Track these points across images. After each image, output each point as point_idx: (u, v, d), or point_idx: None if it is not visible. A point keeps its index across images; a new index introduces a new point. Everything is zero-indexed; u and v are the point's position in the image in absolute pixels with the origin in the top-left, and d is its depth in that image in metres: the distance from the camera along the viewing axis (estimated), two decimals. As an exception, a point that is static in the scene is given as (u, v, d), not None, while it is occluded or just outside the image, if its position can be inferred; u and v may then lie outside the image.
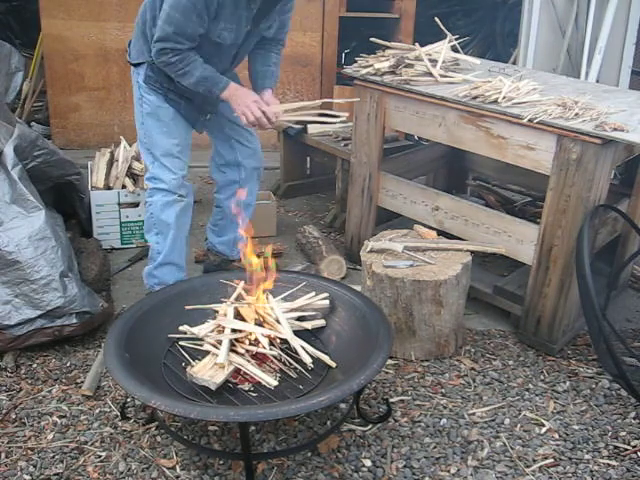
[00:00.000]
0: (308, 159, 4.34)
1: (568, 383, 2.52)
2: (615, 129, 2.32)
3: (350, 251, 3.40)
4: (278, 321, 2.20)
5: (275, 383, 2.04)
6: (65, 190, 3.28)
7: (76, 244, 3.09)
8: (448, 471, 2.08)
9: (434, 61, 3.00)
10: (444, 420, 2.29)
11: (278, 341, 2.18)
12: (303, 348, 2.13)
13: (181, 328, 2.23)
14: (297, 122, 2.56)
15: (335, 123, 2.57)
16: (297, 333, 2.21)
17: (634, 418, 2.34)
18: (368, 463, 2.09)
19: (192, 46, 2.42)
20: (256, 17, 2.50)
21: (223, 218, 3.03)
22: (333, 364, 2.12)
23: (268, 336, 2.16)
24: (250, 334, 2.15)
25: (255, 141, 2.88)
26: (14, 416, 2.26)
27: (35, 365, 2.53)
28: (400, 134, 4.16)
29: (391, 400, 2.38)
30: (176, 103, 2.63)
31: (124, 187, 3.42)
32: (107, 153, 3.65)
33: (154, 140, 2.65)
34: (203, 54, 2.48)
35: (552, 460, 2.14)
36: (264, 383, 2.03)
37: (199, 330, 2.19)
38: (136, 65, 2.61)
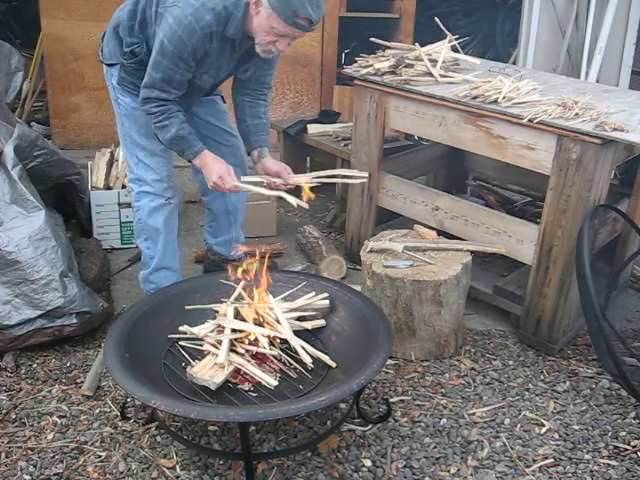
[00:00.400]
0: (308, 159, 4.34)
1: (568, 383, 2.52)
2: (615, 129, 2.32)
3: (350, 251, 3.40)
4: (278, 321, 2.20)
5: (275, 383, 2.04)
6: (65, 190, 3.28)
7: (76, 244, 3.09)
8: (448, 471, 2.08)
9: (434, 61, 3.00)
10: (444, 420, 2.29)
11: (278, 341, 2.18)
12: (303, 348, 2.13)
13: (181, 328, 2.23)
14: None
15: (357, 182, 2.52)
16: (297, 333, 2.21)
17: (634, 418, 2.34)
18: (368, 463, 2.09)
19: (178, 95, 2.37)
20: (237, 63, 2.47)
21: (214, 220, 3.02)
22: (333, 364, 2.12)
23: (268, 336, 2.16)
24: (250, 334, 2.15)
25: (234, 139, 2.80)
26: (14, 416, 2.26)
27: (35, 365, 2.53)
28: (400, 134, 4.16)
29: (391, 400, 2.38)
30: None
31: (124, 187, 3.42)
32: (107, 153, 3.65)
33: (135, 141, 2.61)
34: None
35: (552, 460, 2.14)
36: (264, 383, 2.03)
37: (199, 330, 2.19)
38: (109, 65, 2.56)
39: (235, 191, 2.45)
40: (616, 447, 2.20)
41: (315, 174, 2.49)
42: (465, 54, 3.21)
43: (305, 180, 2.43)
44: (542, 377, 2.56)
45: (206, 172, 2.41)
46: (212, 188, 2.43)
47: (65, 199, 3.31)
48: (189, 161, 2.47)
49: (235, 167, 2.85)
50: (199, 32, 2.22)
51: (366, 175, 2.50)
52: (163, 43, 2.25)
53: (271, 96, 4.98)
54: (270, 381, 2.03)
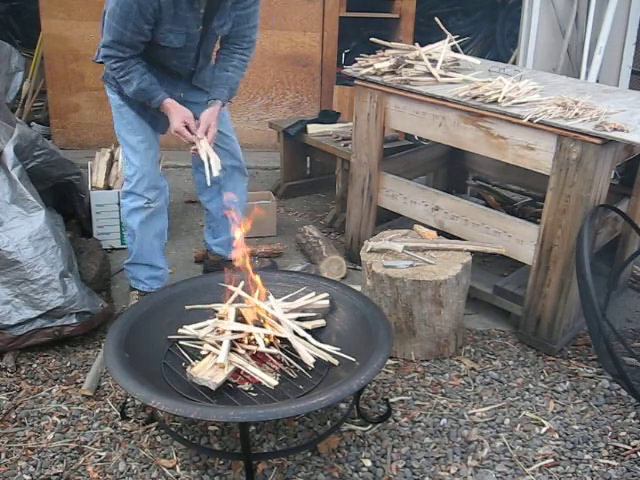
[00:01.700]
0: (308, 159, 4.34)
1: (568, 383, 2.52)
2: (615, 129, 2.32)
3: (350, 251, 3.40)
4: (278, 321, 2.20)
5: (275, 383, 2.04)
6: (65, 190, 3.28)
7: (76, 244, 3.09)
8: (448, 471, 2.08)
9: (434, 61, 3.00)
10: (444, 420, 2.29)
11: (278, 341, 2.18)
12: (304, 347, 2.13)
13: (181, 330, 2.23)
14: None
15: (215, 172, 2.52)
16: (297, 333, 2.21)
17: (634, 418, 2.34)
18: (368, 463, 2.09)
19: (134, 53, 2.40)
20: (206, 17, 2.44)
21: (213, 220, 3.03)
22: (335, 361, 2.12)
23: (268, 336, 2.16)
24: (250, 334, 2.15)
25: (231, 142, 2.83)
26: (14, 416, 2.26)
27: (35, 365, 2.53)
28: (400, 134, 4.16)
29: (391, 400, 2.38)
30: (131, 101, 2.59)
31: (124, 187, 3.42)
32: (107, 153, 3.65)
33: (122, 137, 2.66)
34: (158, 57, 2.48)
35: (552, 460, 2.14)
36: (264, 383, 2.03)
37: (199, 331, 2.19)
38: (100, 63, 2.60)
39: (193, 141, 2.51)
40: (616, 447, 2.20)
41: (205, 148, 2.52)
42: (465, 54, 3.21)
43: (204, 144, 2.50)
44: (542, 377, 2.56)
45: (170, 119, 2.50)
46: (175, 134, 2.50)
47: (65, 199, 3.31)
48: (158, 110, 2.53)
49: (233, 170, 2.86)
50: None
51: (218, 170, 2.48)
52: (112, 7, 2.31)
53: (271, 96, 5.07)
54: (270, 381, 2.03)
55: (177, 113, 2.48)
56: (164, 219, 2.83)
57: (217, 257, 3.11)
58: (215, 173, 2.44)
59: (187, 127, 2.49)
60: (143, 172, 2.65)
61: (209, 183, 2.46)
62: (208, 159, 2.47)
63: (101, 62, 2.54)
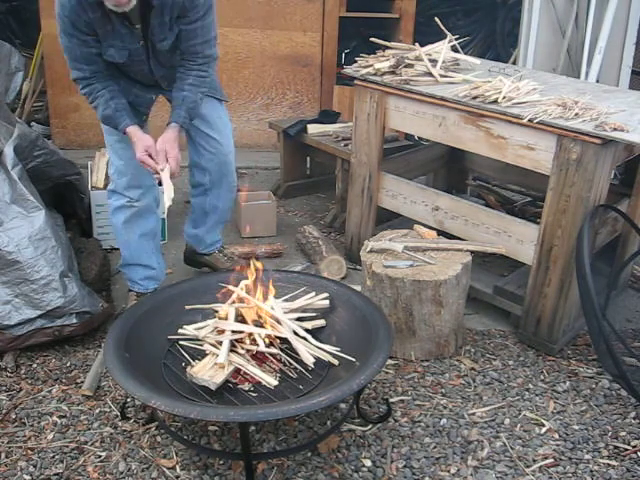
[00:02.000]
0: (308, 159, 4.34)
1: (568, 383, 2.52)
2: (615, 129, 2.32)
3: (350, 251, 3.40)
4: (278, 321, 2.19)
5: (275, 383, 2.04)
6: (65, 190, 3.28)
7: (76, 244, 3.09)
8: (448, 471, 2.08)
9: (434, 61, 3.00)
10: (444, 420, 2.29)
11: (278, 341, 2.18)
12: (304, 346, 2.13)
13: (181, 331, 2.23)
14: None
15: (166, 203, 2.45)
16: (297, 333, 2.21)
17: (634, 418, 2.34)
18: (368, 463, 2.09)
19: (95, 71, 2.38)
20: (145, 32, 2.38)
21: (193, 212, 3.04)
22: (335, 361, 2.12)
23: (268, 336, 2.16)
24: (250, 334, 2.15)
25: (218, 145, 2.76)
26: (14, 416, 2.26)
27: (35, 365, 2.53)
28: (400, 134, 4.16)
29: (391, 400, 2.38)
30: None
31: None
32: (107, 153, 3.64)
33: (105, 136, 2.67)
34: (115, 73, 2.48)
35: (552, 460, 2.14)
36: (264, 383, 2.03)
37: (199, 331, 2.19)
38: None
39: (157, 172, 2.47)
40: (616, 447, 2.20)
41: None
42: (465, 54, 3.21)
43: (164, 173, 2.43)
44: (542, 377, 2.56)
45: (134, 148, 2.48)
46: (140, 164, 2.48)
47: (65, 199, 3.31)
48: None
49: (221, 178, 2.82)
50: (67, 4, 2.25)
51: (170, 200, 2.40)
52: (57, 23, 2.31)
53: (271, 96, 5.07)
54: (270, 381, 2.03)
55: (138, 142, 2.43)
56: (153, 219, 2.81)
57: (189, 247, 3.14)
58: (167, 204, 2.38)
59: (150, 155, 2.44)
60: (122, 171, 2.67)
61: (161, 213, 2.38)
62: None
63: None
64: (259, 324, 2.20)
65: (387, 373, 2.54)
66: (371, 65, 3.01)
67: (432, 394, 2.43)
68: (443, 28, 3.22)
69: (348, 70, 3.11)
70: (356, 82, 3.06)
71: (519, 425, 2.29)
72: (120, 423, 2.24)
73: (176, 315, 2.29)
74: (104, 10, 2.25)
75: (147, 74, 2.54)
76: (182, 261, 3.23)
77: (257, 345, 2.13)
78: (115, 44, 2.36)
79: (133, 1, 2.21)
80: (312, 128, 4.03)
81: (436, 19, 3.29)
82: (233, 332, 2.15)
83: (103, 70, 2.42)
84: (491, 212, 2.85)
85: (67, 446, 2.13)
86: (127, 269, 2.87)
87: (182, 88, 2.50)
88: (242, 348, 2.13)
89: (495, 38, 6.38)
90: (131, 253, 2.81)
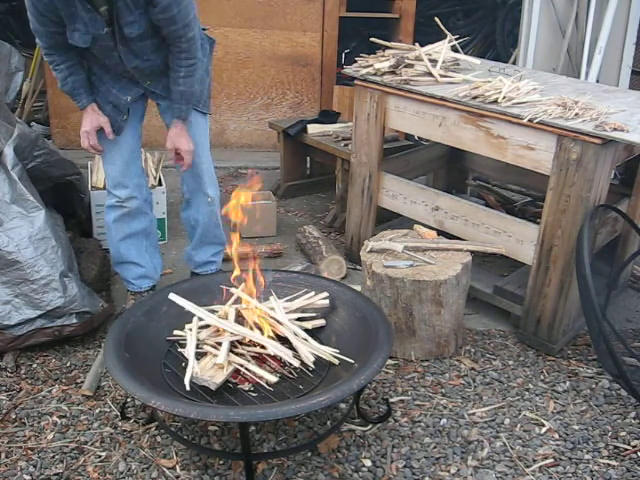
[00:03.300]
0: (308, 159, 4.34)
1: (568, 383, 2.52)
2: (615, 129, 2.32)
3: (350, 251, 3.40)
4: (278, 321, 2.19)
5: (275, 379, 2.03)
6: (65, 190, 3.28)
7: (76, 244, 3.09)
8: (448, 471, 2.08)
9: (434, 61, 3.00)
10: (444, 420, 2.29)
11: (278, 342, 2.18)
12: (303, 346, 2.13)
13: (180, 332, 2.23)
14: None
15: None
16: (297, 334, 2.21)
17: (634, 418, 2.34)
18: (368, 463, 2.09)
19: (51, 44, 2.36)
20: (111, 16, 2.26)
21: (185, 227, 3.01)
22: (335, 361, 2.11)
23: (268, 336, 2.16)
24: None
25: (196, 158, 2.62)
26: (14, 416, 2.26)
27: (35, 365, 2.53)
28: (400, 134, 4.16)
29: (391, 400, 2.38)
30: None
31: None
32: (107, 153, 3.64)
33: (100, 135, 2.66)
34: (85, 57, 2.48)
35: (552, 460, 2.14)
36: (264, 380, 2.03)
37: (199, 332, 2.19)
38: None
39: (92, 151, 2.58)
40: (616, 447, 2.20)
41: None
42: (465, 54, 3.22)
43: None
44: (542, 377, 2.56)
45: (83, 121, 2.53)
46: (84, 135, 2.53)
47: (65, 199, 3.31)
48: None
49: (197, 193, 2.77)
50: None
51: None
52: None
53: (271, 96, 5.07)
54: (270, 378, 2.03)
55: (87, 117, 2.52)
56: (144, 221, 2.79)
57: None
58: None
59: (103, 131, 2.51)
60: (107, 171, 2.69)
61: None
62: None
63: None
64: (259, 325, 2.20)
65: (387, 373, 2.54)
66: (371, 65, 3.01)
67: (432, 394, 2.43)
68: (443, 28, 3.22)
69: (348, 70, 3.12)
70: (356, 82, 3.06)
71: (519, 425, 2.29)
72: (120, 423, 2.24)
73: (176, 315, 2.29)
74: None
75: (119, 64, 2.46)
76: (182, 261, 3.23)
77: (257, 346, 2.13)
78: (78, 28, 2.29)
79: None
80: (312, 128, 4.03)
81: (436, 19, 3.29)
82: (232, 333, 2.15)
83: (63, 45, 2.38)
84: (491, 212, 2.85)
85: (67, 446, 2.13)
86: (119, 268, 2.87)
87: (177, 82, 2.47)
88: (242, 348, 2.13)
89: (495, 38, 6.38)
90: (119, 252, 2.81)
